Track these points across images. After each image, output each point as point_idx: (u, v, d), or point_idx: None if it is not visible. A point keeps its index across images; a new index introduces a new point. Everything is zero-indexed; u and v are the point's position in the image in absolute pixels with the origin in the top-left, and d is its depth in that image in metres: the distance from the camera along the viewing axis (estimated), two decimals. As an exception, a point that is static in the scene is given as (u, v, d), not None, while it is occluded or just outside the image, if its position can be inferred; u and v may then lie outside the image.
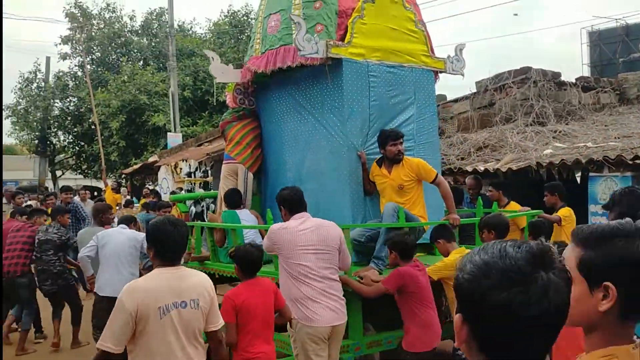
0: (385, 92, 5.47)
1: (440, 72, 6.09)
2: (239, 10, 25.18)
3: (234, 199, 5.75)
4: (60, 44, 24.53)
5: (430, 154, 5.75)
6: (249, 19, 24.22)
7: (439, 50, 6.26)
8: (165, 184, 15.36)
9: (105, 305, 5.02)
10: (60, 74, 25.03)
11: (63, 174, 28.58)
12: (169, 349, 2.78)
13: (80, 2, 24.58)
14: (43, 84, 24.91)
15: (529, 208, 6.12)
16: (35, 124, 24.24)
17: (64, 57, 24.73)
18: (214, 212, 5.89)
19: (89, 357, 5.51)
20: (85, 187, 13.17)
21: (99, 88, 21.97)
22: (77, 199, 10.83)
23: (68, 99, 24.87)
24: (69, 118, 24.77)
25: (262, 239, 4.58)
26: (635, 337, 1.38)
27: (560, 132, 9.37)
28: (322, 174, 5.42)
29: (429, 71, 5.85)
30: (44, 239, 6.62)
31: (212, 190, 10.42)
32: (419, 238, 4.83)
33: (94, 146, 21.15)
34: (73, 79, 24.98)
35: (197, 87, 21.74)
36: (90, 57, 24.47)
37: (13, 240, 6.81)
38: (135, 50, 25.02)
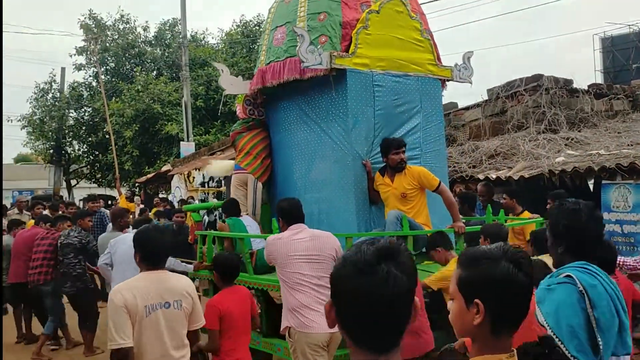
0: (391, 101, 5.48)
1: (448, 80, 6.08)
2: (250, 20, 25.37)
3: (233, 209, 5.84)
4: (75, 55, 24.92)
5: (437, 162, 5.74)
6: (261, 29, 24.36)
7: (451, 58, 6.25)
8: (178, 193, 15.46)
9: None
10: (75, 84, 25.36)
11: (78, 183, 28.88)
12: (154, 346, 2.97)
13: (95, 14, 24.96)
14: (58, 94, 25.26)
15: (538, 216, 6.05)
16: (50, 133, 24.55)
17: (78, 67, 25.07)
18: (224, 221, 5.93)
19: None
20: (99, 196, 13.29)
21: (113, 98, 22.23)
22: (103, 208, 10.99)
23: (83, 109, 25.18)
24: (84, 128, 25.05)
25: None
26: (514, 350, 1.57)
27: (572, 139, 9.28)
28: (328, 182, 5.45)
29: (436, 80, 5.85)
30: (65, 243, 6.74)
31: (225, 200, 10.47)
32: (424, 246, 4.79)
33: (108, 155, 21.37)
34: (88, 89, 25.30)
35: (209, 97, 21.90)
36: (104, 67, 24.78)
37: (38, 249, 6.99)
38: (149, 61, 25.29)
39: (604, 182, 7.21)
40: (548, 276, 2.36)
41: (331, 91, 5.34)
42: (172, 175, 16.33)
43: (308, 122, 5.67)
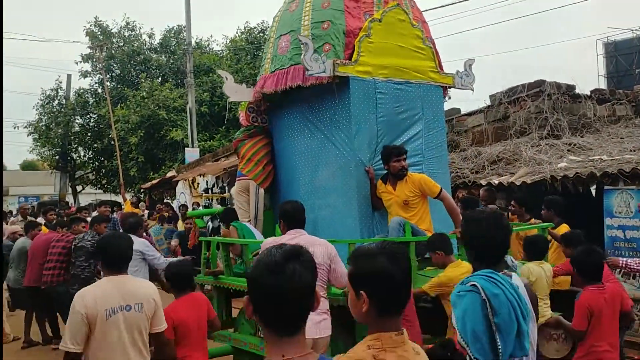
0: (393, 108, 5.54)
1: (449, 87, 6.15)
2: (255, 27, 25.49)
3: (231, 218, 5.99)
4: (81, 62, 25.11)
5: (439, 168, 5.80)
6: (265, 36, 24.49)
7: (454, 64, 6.30)
8: (183, 198, 15.54)
9: None
10: (81, 91, 25.55)
11: (83, 188, 29.04)
12: (115, 347, 3.13)
13: (101, 21, 25.15)
14: (64, 100, 25.44)
15: (540, 221, 6.08)
16: (56, 140, 24.71)
17: (84, 74, 25.27)
18: (227, 227, 6.02)
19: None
20: (104, 202, 13.39)
21: (119, 104, 22.37)
22: (115, 215, 11.13)
23: (88, 116, 25.34)
24: (89, 134, 25.21)
25: None
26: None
27: (575, 145, 9.31)
28: (331, 189, 5.51)
29: (437, 87, 5.91)
30: (78, 246, 6.85)
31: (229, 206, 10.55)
32: (426, 253, 4.83)
33: (114, 161, 21.50)
34: (93, 96, 25.47)
35: (214, 103, 22.02)
36: (110, 74, 24.95)
37: (52, 250, 7.14)
38: (154, 67, 25.45)
39: (606, 187, 7.23)
40: (460, 282, 2.58)
41: (334, 99, 5.41)
42: (177, 181, 16.42)
43: (311, 129, 5.74)
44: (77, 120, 25.45)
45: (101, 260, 3.32)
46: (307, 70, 5.15)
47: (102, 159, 25.30)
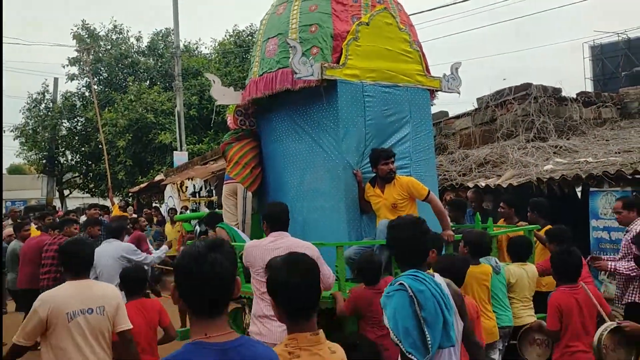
0: (381, 111, 5.56)
1: (436, 90, 6.19)
2: (243, 30, 25.52)
3: (217, 220, 6.03)
4: (68, 65, 24.95)
5: (426, 171, 5.82)
6: (253, 39, 24.47)
7: (440, 68, 6.34)
8: (171, 202, 15.48)
9: None
10: (68, 94, 25.40)
11: (71, 192, 28.83)
12: (76, 349, 3.28)
13: (88, 24, 25.02)
14: (51, 104, 25.27)
15: (526, 223, 6.12)
16: (43, 143, 24.54)
17: (71, 78, 25.12)
18: (214, 230, 6.02)
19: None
20: (93, 205, 13.31)
21: (107, 108, 22.25)
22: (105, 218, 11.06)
23: (75, 119, 25.20)
24: (77, 138, 25.07)
25: None
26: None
27: (561, 147, 9.40)
28: (319, 192, 5.51)
29: (425, 90, 5.94)
30: None
31: (217, 210, 10.54)
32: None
33: (101, 165, 21.38)
34: (80, 99, 25.32)
35: (202, 106, 21.98)
36: (97, 77, 24.82)
37: (46, 254, 7.07)
38: (142, 70, 25.35)
39: (591, 189, 7.30)
40: (389, 283, 2.81)
41: (322, 102, 5.42)
42: (165, 185, 16.36)
43: (299, 132, 5.74)
44: (64, 124, 25.31)
45: (62, 265, 3.46)
46: (295, 73, 5.16)
47: (90, 162, 25.14)
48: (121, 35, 25.81)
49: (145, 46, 26.09)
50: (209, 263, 1.76)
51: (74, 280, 3.41)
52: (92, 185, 26.08)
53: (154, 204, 18.18)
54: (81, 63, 24.15)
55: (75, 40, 24.52)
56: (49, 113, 24.67)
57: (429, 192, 5.06)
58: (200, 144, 21.14)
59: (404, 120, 5.73)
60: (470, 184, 8.44)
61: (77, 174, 26.99)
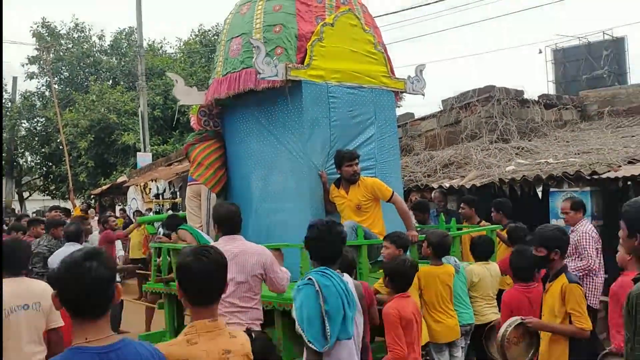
0: (346, 112, 5.57)
1: (401, 92, 6.22)
2: (209, 30, 25.24)
3: (177, 223, 5.98)
4: (27, 64, 24.29)
5: (391, 172, 5.85)
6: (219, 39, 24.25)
7: (406, 69, 6.37)
8: (134, 204, 15.20)
9: None
10: (27, 93, 24.73)
11: (30, 195, 28.07)
12: (13, 344, 3.39)
13: (48, 22, 24.40)
14: (9, 104, 24.55)
15: (489, 224, 6.21)
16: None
17: (31, 76, 24.48)
18: (176, 232, 5.91)
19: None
20: (54, 207, 12.94)
21: (67, 108, 21.73)
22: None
23: (35, 119, 24.54)
24: (37, 138, 24.41)
25: None
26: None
27: (523, 148, 9.57)
28: (284, 193, 5.47)
29: (389, 92, 5.97)
30: (35, 252, 6.52)
31: (180, 212, 10.37)
32: (378, 256, 4.86)
33: (62, 167, 20.86)
34: (40, 99, 24.68)
35: (167, 107, 21.63)
36: (58, 76, 24.22)
37: None
38: (105, 70, 24.84)
39: (551, 189, 7.45)
40: (301, 278, 3.10)
41: (287, 102, 5.39)
42: (128, 187, 16.05)
43: (264, 133, 5.69)
44: (23, 124, 24.61)
45: (2, 263, 3.51)
46: (259, 73, 5.12)
47: (50, 164, 24.49)
48: (83, 34, 25.25)
49: (108, 45, 25.58)
50: (85, 269, 1.86)
51: (11, 278, 3.53)
52: (52, 187, 25.42)
53: (117, 206, 17.83)
54: (41, 62, 23.54)
55: (34, 39, 23.90)
56: (7, 113, 23.94)
57: (393, 193, 5.08)
58: (165, 144, 20.81)
59: (369, 122, 5.74)
60: (435, 185, 8.52)
61: (37, 176, 26.30)
